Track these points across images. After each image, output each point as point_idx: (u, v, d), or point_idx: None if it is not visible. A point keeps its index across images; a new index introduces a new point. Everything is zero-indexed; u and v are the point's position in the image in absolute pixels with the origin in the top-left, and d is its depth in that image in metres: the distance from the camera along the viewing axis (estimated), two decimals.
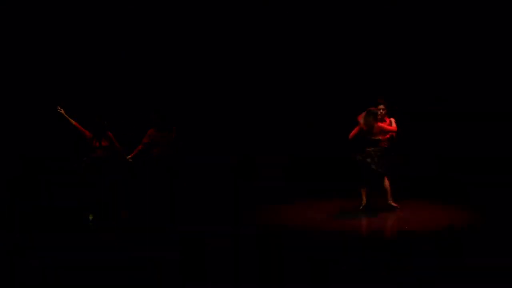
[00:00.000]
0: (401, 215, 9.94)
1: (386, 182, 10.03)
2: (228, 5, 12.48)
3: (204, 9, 12.43)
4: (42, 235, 8.49)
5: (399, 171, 10.17)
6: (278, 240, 8.19)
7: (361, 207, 10.31)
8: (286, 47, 12.66)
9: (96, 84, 12.13)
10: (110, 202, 10.61)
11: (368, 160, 10.03)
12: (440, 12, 12.26)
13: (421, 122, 12.49)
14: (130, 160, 10.23)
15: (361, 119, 9.94)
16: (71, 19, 11.89)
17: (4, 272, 6.93)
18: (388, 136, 10.10)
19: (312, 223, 9.62)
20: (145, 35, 12.42)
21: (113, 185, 11.05)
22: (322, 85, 12.64)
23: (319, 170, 12.05)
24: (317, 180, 10.97)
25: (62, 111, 9.74)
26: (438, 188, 11.82)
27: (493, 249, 7.12)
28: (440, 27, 12.34)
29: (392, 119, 10.35)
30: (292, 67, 12.64)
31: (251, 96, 12.71)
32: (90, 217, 9.61)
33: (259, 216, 10.02)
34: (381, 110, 10.24)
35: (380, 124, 9.97)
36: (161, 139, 10.42)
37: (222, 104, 12.69)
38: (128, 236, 8.52)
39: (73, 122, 9.81)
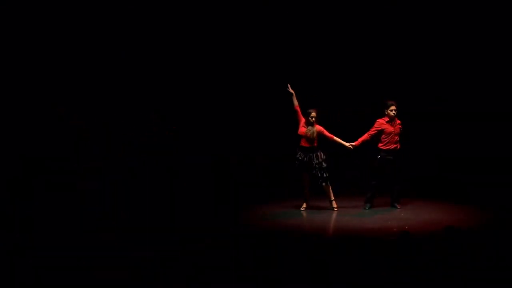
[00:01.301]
0: (401, 215, 9.94)
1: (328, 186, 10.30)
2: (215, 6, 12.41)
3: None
4: (43, 235, 8.48)
5: None
6: (277, 240, 8.20)
7: (367, 208, 10.38)
8: (284, 48, 12.66)
9: (96, 84, 12.12)
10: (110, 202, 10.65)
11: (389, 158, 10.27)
12: (441, 12, 12.24)
13: (421, 122, 12.50)
14: None
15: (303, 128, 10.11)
16: (71, 19, 11.88)
17: (4, 272, 6.92)
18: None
19: (312, 223, 9.62)
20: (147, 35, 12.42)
21: (113, 185, 11.08)
22: (323, 86, 12.64)
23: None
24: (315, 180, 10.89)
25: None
26: (438, 188, 11.82)
27: (493, 249, 7.11)
28: (440, 27, 12.33)
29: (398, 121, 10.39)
30: (291, 68, 12.62)
31: (255, 96, 12.70)
32: None
33: (258, 217, 10.03)
34: (394, 111, 10.25)
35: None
36: None
37: (223, 104, 12.68)
38: (128, 236, 8.51)
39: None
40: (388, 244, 7.38)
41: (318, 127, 10.17)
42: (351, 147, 10.27)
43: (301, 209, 10.36)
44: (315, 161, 10.13)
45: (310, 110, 10.16)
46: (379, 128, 10.30)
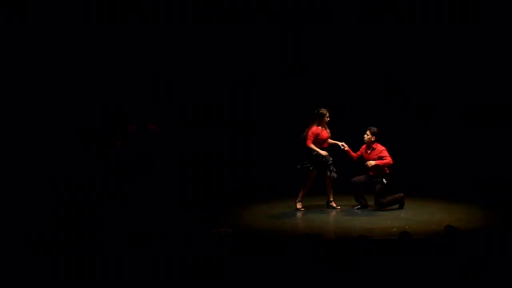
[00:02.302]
0: (401, 215, 9.95)
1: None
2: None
3: None
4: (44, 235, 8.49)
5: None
6: (277, 240, 8.21)
7: (356, 208, 10.41)
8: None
9: (96, 84, 12.13)
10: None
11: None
12: (439, 12, 12.23)
13: (421, 122, 12.52)
14: None
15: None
16: (71, 19, 11.88)
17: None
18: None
19: (311, 223, 9.62)
20: None
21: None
22: (322, 87, 12.65)
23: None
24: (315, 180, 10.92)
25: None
26: (438, 188, 11.82)
27: (493, 249, 7.12)
28: (440, 28, 12.32)
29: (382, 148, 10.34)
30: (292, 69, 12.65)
31: (254, 96, 12.72)
32: None
33: (258, 216, 10.03)
34: (365, 135, 10.22)
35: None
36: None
37: (223, 104, 12.70)
38: (129, 235, 8.51)
39: None
40: (388, 244, 7.39)
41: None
42: (344, 146, 10.29)
43: (301, 209, 10.36)
44: (330, 158, 10.20)
45: (324, 111, 10.20)
46: (361, 151, 10.42)
